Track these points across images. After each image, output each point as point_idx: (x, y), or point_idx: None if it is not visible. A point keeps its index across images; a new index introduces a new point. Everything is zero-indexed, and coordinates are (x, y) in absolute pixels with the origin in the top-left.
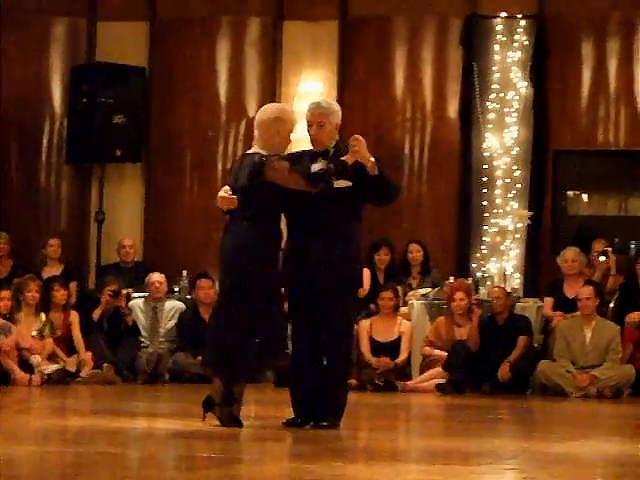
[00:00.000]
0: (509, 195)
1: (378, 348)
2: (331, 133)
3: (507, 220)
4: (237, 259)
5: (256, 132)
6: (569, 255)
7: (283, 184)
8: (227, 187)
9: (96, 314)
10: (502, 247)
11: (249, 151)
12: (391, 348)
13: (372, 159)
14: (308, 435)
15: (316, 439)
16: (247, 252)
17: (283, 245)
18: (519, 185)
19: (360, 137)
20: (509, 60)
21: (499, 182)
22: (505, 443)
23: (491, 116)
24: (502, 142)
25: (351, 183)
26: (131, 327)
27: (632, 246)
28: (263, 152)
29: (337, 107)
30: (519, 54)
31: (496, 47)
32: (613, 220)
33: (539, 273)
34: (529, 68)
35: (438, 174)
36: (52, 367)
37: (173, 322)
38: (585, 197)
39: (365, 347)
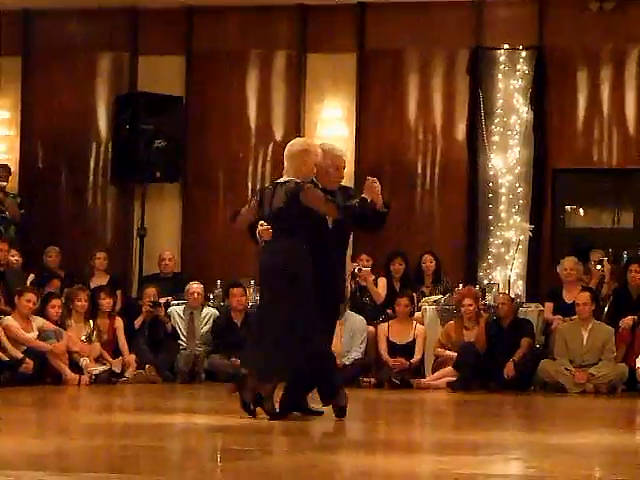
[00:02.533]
0: (512, 210)
1: (395, 349)
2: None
3: (511, 232)
4: (288, 269)
5: (286, 163)
6: (567, 264)
7: (318, 209)
8: (262, 222)
9: (137, 322)
10: (506, 257)
11: (280, 180)
12: (406, 349)
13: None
14: (332, 429)
15: (339, 432)
16: (296, 261)
17: None
18: (521, 201)
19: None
20: (511, 87)
21: (503, 198)
22: (510, 435)
23: (495, 138)
24: (506, 162)
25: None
26: (170, 333)
27: (624, 255)
28: (295, 179)
29: None
30: (521, 82)
31: (500, 76)
32: (607, 232)
33: (540, 280)
34: (530, 94)
35: (448, 191)
36: (99, 368)
37: (208, 327)
38: (581, 211)
39: (383, 348)
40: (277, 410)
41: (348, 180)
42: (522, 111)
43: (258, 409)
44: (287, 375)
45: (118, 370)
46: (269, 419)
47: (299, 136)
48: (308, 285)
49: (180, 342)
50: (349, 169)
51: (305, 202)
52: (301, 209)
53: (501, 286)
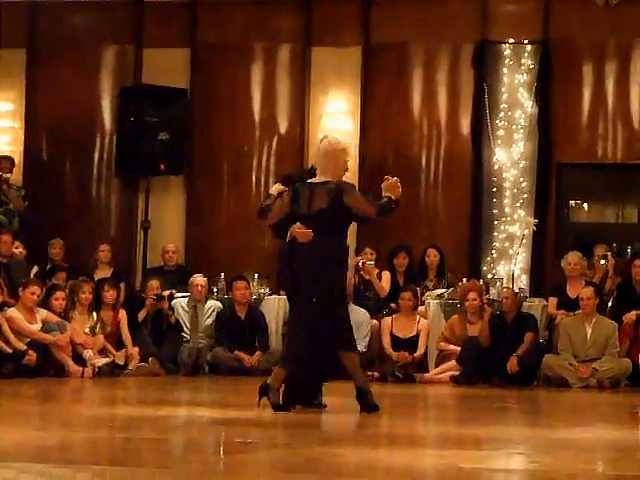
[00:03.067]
0: (516, 204)
1: (398, 343)
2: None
3: (515, 227)
4: (330, 268)
5: (322, 162)
6: (571, 259)
7: (358, 210)
8: (299, 224)
9: (141, 315)
10: (510, 251)
11: (317, 180)
12: (410, 343)
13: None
14: (334, 422)
15: (343, 426)
16: (337, 261)
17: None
18: (525, 195)
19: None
20: (516, 81)
21: (507, 192)
22: (513, 430)
23: (500, 132)
24: (510, 156)
25: None
26: (174, 325)
27: (628, 250)
28: (333, 180)
29: None
30: (525, 76)
31: (504, 70)
32: (611, 227)
33: (544, 275)
34: (534, 89)
35: (452, 185)
36: (103, 361)
37: (211, 319)
38: (586, 206)
39: (387, 342)
40: (281, 402)
41: (352, 174)
42: (527, 105)
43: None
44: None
45: (121, 362)
46: (273, 411)
47: (302, 129)
48: (345, 284)
49: (183, 335)
50: (353, 163)
51: (348, 204)
52: (342, 210)
53: (505, 280)
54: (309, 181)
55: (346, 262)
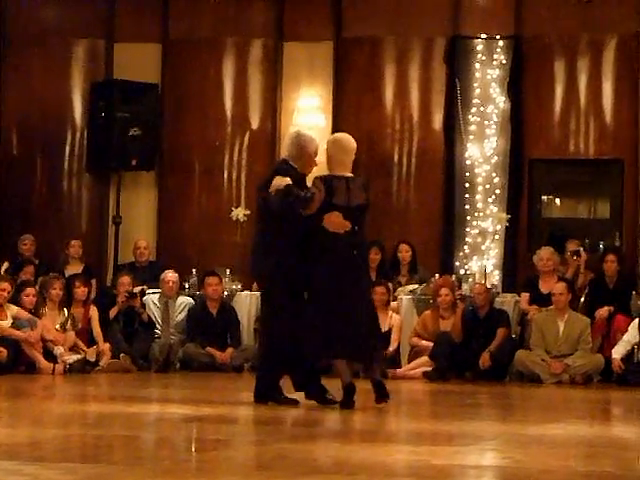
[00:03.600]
0: (489, 200)
1: None
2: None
3: (487, 222)
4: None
5: (344, 158)
6: (544, 254)
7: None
8: (338, 213)
9: (112, 312)
10: (483, 247)
11: (348, 175)
12: (382, 339)
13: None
14: (307, 418)
15: (314, 422)
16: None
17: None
18: (498, 191)
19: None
20: (488, 77)
21: (480, 188)
22: (485, 426)
23: (472, 128)
24: (482, 152)
25: None
26: (146, 323)
27: (600, 246)
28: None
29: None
30: (498, 71)
31: (477, 65)
32: (583, 222)
33: (516, 270)
34: (507, 84)
35: (424, 181)
36: (73, 357)
37: (183, 315)
38: (558, 201)
39: None
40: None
41: (324, 169)
42: (499, 101)
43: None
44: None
45: (92, 359)
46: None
47: (274, 124)
48: None
49: (155, 331)
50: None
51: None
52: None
53: (477, 276)
54: (341, 174)
55: None
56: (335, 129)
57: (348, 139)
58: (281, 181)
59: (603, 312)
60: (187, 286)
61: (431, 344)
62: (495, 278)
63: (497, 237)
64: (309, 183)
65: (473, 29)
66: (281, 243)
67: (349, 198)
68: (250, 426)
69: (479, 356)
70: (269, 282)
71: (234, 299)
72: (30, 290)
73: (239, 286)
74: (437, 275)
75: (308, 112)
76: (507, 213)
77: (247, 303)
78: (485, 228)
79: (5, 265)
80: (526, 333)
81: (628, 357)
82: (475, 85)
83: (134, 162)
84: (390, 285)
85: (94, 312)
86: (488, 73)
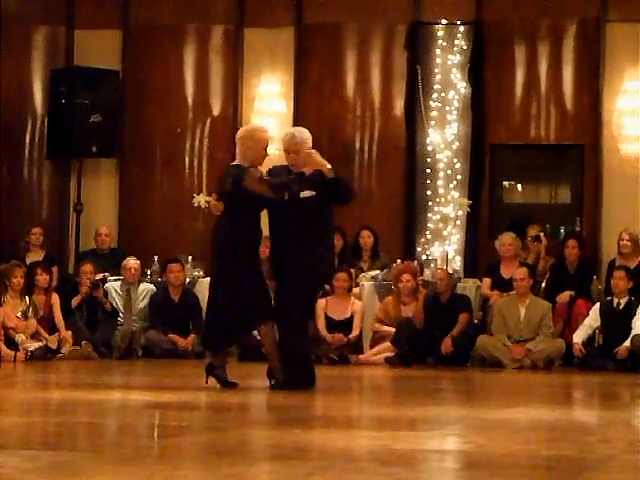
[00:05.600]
0: (450, 185)
1: (333, 325)
2: (304, 157)
3: (449, 208)
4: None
5: (237, 148)
6: (505, 239)
7: (255, 191)
8: (214, 195)
9: (75, 301)
10: (444, 232)
11: (233, 163)
12: (344, 325)
13: (328, 165)
14: (269, 404)
15: (276, 408)
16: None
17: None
18: (459, 176)
19: (313, 150)
20: (449, 63)
21: (441, 174)
22: (448, 411)
23: (434, 114)
24: (444, 137)
25: (314, 192)
26: (109, 312)
27: (561, 231)
28: (243, 164)
29: (308, 135)
30: (459, 57)
31: (438, 51)
32: (544, 208)
33: (478, 256)
34: (468, 70)
35: (386, 167)
36: (35, 345)
37: (145, 302)
38: (519, 187)
39: (321, 324)
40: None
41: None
42: (460, 86)
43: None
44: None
45: (54, 346)
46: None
47: (236, 111)
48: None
49: (117, 319)
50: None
51: (245, 186)
52: (247, 193)
53: (439, 262)
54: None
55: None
56: (296, 115)
57: (241, 129)
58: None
59: (564, 297)
60: (149, 273)
61: (393, 330)
62: (456, 264)
63: (458, 223)
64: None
65: (434, 15)
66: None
67: (223, 186)
68: (212, 412)
69: (441, 341)
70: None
71: (196, 286)
72: None
73: (201, 273)
74: (399, 261)
75: (269, 98)
76: (468, 199)
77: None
78: (446, 214)
79: None
80: (488, 318)
81: (589, 341)
82: (436, 71)
83: (95, 149)
84: (352, 271)
85: (55, 299)
86: (449, 59)
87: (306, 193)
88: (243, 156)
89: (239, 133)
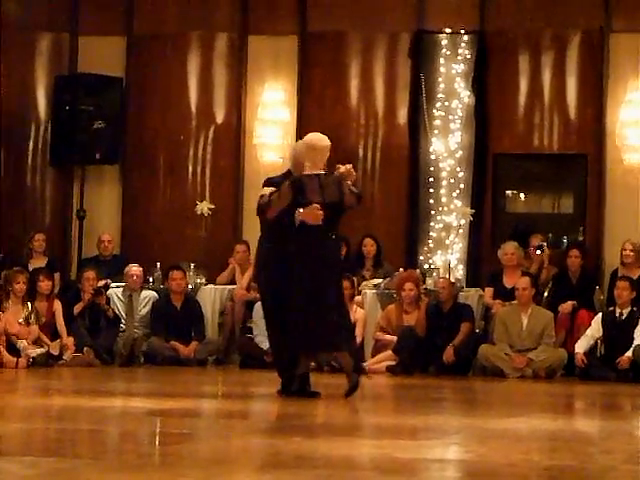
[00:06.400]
0: (453, 194)
1: None
2: None
3: (451, 217)
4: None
5: (313, 155)
6: (508, 249)
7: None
8: (316, 205)
9: (77, 308)
10: (447, 241)
11: (319, 172)
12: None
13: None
14: (270, 412)
15: (277, 416)
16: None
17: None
18: (462, 185)
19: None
20: (453, 72)
21: (444, 182)
22: (449, 420)
23: (437, 122)
24: (447, 146)
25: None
26: (112, 319)
27: (564, 241)
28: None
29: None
30: (462, 66)
31: (441, 60)
32: (547, 217)
33: (480, 265)
34: (471, 79)
35: (389, 175)
36: (37, 351)
37: (147, 309)
38: (522, 196)
39: None
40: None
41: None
42: (463, 95)
43: None
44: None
45: (56, 353)
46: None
47: (239, 118)
48: None
49: (120, 325)
50: (290, 153)
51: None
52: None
53: (441, 270)
54: (311, 173)
55: None
56: (299, 123)
57: (319, 137)
58: (268, 190)
59: (566, 307)
60: (151, 280)
61: (395, 338)
62: (459, 272)
63: (461, 231)
64: None
65: (438, 24)
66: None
67: (323, 195)
68: (213, 420)
69: (443, 350)
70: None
71: (198, 293)
72: None
73: (203, 280)
74: (401, 269)
75: (273, 106)
76: (471, 208)
77: (211, 297)
78: (449, 223)
79: None
80: (490, 327)
81: (591, 351)
82: (440, 80)
83: (98, 156)
84: (354, 279)
85: (58, 306)
86: (453, 68)
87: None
88: (314, 164)
89: (324, 142)
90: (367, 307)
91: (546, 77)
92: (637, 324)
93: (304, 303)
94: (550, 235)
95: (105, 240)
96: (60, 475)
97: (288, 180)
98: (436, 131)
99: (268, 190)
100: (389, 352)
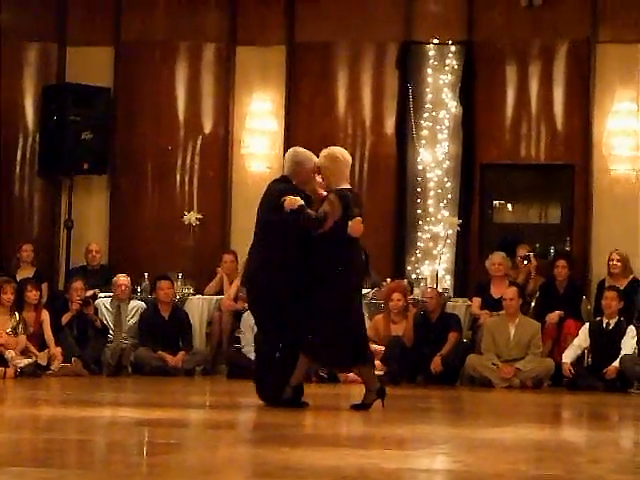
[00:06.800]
0: (441, 204)
1: None
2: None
3: (439, 227)
4: None
5: (347, 170)
6: (495, 259)
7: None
8: (360, 218)
9: (65, 318)
10: (434, 252)
11: (349, 187)
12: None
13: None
14: (257, 422)
15: (264, 426)
16: None
17: None
18: (450, 195)
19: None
20: (440, 82)
21: (432, 193)
22: (436, 429)
23: (424, 133)
24: (434, 156)
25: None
26: (99, 329)
27: (551, 251)
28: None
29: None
30: (450, 77)
31: (429, 70)
32: (534, 227)
33: (468, 275)
34: (458, 89)
35: (377, 185)
36: (25, 361)
37: (135, 319)
38: (509, 206)
39: None
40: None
41: (277, 175)
42: (451, 106)
43: None
44: None
45: (44, 363)
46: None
47: (227, 129)
48: None
49: (108, 336)
50: (277, 163)
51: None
52: None
53: (429, 280)
54: (347, 187)
55: None
56: (287, 133)
57: (345, 151)
58: (294, 201)
59: (553, 317)
60: (139, 290)
61: (383, 348)
62: (446, 282)
63: (449, 242)
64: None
65: (425, 34)
66: (292, 260)
67: (360, 208)
68: (201, 430)
69: (430, 360)
70: (278, 295)
71: (186, 303)
72: None
73: (191, 290)
74: (389, 279)
75: (261, 116)
76: (459, 218)
77: (199, 307)
78: (437, 233)
79: None
80: (477, 338)
81: (578, 361)
82: (427, 90)
83: (86, 166)
84: None
85: (45, 316)
86: (440, 78)
87: None
88: (337, 179)
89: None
90: None
91: (533, 87)
92: (624, 334)
93: (333, 317)
94: (537, 245)
95: (93, 250)
96: None
97: (333, 193)
98: (423, 141)
99: (298, 200)
100: (377, 362)
